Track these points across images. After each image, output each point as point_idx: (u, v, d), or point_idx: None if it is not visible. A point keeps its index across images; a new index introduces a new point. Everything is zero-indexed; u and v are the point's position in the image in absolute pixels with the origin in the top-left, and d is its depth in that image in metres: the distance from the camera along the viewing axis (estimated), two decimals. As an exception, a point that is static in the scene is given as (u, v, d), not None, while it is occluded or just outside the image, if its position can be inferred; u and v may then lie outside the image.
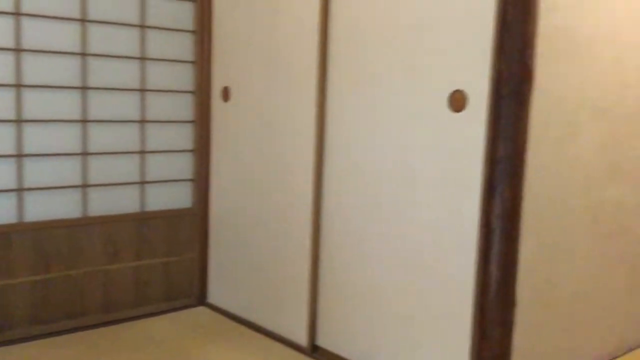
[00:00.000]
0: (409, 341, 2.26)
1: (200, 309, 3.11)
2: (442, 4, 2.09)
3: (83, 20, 2.69)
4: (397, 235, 2.28)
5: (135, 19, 2.84)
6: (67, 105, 2.69)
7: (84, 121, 2.74)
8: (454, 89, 2.08)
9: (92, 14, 2.72)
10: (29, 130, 2.61)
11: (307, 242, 2.59)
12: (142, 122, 2.90)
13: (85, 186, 2.76)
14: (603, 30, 2.30)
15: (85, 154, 2.75)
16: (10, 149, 2.57)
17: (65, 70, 2.67)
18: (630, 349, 2.73)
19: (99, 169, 2.80)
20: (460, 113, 2.07)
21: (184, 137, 3.06)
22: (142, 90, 2.89)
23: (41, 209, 2.66)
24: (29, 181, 2.62)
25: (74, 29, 2.68)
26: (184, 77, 3.02)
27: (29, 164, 2.61)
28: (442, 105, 2.12)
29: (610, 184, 2.46)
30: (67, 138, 2.71)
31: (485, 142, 2.00)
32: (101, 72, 2.76)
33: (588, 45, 2.25)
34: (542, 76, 2.00)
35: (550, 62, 2.07)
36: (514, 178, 1.99)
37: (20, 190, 2.60)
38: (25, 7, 2.54)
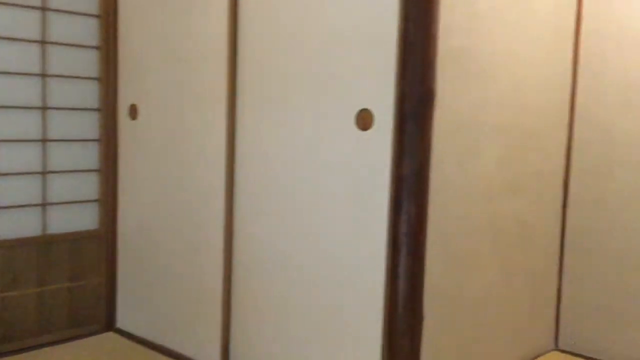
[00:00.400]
0: (322, 358, 2.26)
1: (109, 334, 2.99)
2: (348, 26, 2.13)
3: (-22, 35, 2.58)
4: (309, 253, 2.28)
5: (36, 35, 2.73)
6: (-39, 124, 2.56)
7: (-20, 141, 2.61)
8: (361, 107, 2.11)
9: (-12, 29, 2.60)
10: None
11: (219, 262, 2.56)
12: (45, 141, 2.79)
13: (-19, 209, 2.63)
14: (500, 52, 2.41)
15: (-19, 175, 2.62)
16: None
17: (-42, 88, 2.54)
18: (535, 356, 2.85)
19: (-3, 191, 2.67)
20: (367, 131, 2.11)
21: (89, 156, 2.95)
22: (44, 109, 2.78)
23: None
24: None
25: (-33, 44, 2.56)
26: (89, 94, 2.93)
27: None
28: (349, 124, 2.15)
29: (511, 198, 2.57)
30: (-39, 159, 2.57)
31: (391, 159, 2.04)
32: (-1, 90, 2.65)
33: (487, 65, 2.35)
34: (443, 95, 2.07)
35: (452, 82, 2.15)
36: (419, 195, 2.04)
37: None
38: None
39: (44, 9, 2.74)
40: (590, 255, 2.88)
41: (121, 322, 3.04)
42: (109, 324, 3.04)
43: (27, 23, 2.71)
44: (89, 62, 2.92)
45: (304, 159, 2.28)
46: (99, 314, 3.02)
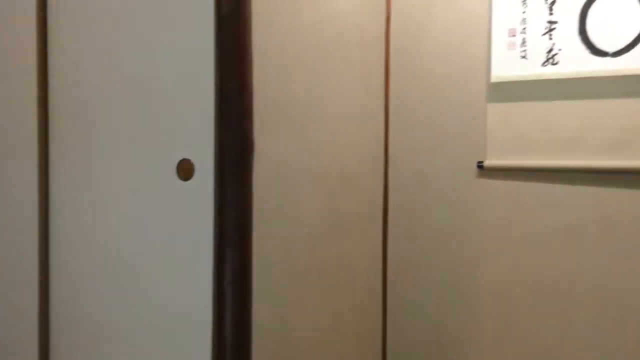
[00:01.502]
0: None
1: None
2: (166, 77, 2.12)
3: None
4: (133, 310, 2.19)
5: None
6: None
7: None
8: (181, 157, 2.10)
9: None
10: None
11: (34, 332, 2.36)
12: None
13: None
14: (314, 102, 2.53)
15: None
16: None
17: None
18: (365, 394, 2.94)
19: None
20: (188, 182, 2.09)
21: None
22: None
23: None
24: None
25: None
26: None
27: None
28: (171, 174, 2.12)
29: (333, 242, 2.67)
30: None
31: (213, 209, 2.04)
32: None
33: (302, 115, 2.45)
34: (262, 145, 2.12)
35: (270, 131, 2.21)
36: (242, 244, 2.05)
37: None
38: None
39: None
40: (410, 291, 3.06)
41: None
42: None
43: None
44: None
45: (125, 213, 2.21)
46: None
